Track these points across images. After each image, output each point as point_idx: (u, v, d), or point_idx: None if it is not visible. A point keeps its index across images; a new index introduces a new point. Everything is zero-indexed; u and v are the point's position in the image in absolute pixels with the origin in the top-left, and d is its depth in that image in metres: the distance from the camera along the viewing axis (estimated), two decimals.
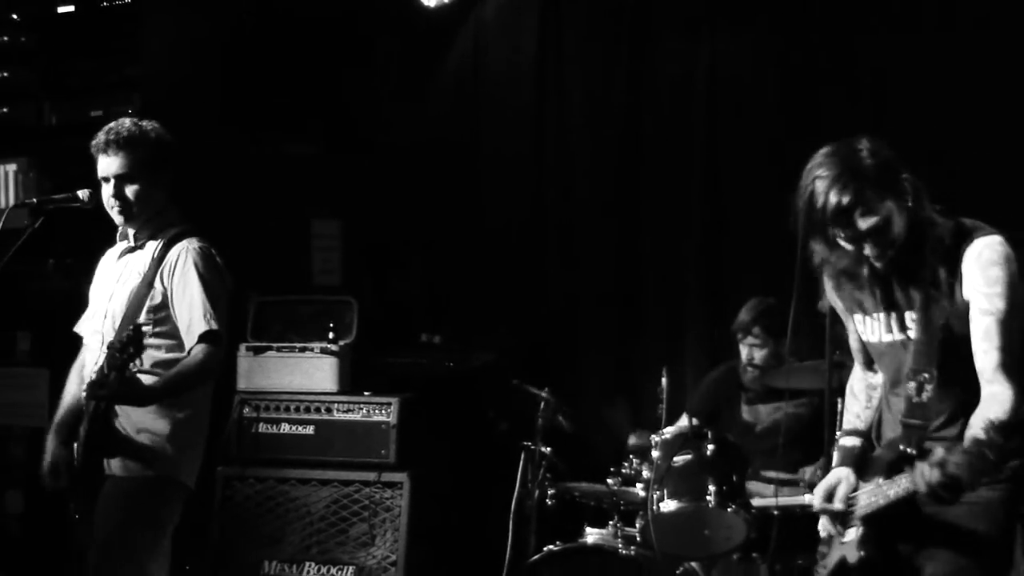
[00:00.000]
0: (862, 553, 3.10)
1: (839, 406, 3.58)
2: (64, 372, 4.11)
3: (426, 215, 6.30)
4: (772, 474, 4.52)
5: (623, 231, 6.01)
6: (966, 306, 2.97)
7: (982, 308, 2.94)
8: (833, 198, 2.93)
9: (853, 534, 3.14)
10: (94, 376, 3.69)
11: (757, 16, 5.75)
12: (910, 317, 3.07)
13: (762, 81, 5.74)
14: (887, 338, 3.14)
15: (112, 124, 3.93)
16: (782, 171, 3.22)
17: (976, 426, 2.83)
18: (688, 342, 5.80)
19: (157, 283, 3.85)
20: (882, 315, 3.14)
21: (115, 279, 3.98)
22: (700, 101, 5.86)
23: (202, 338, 3.77)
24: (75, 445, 3.77)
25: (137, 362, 3.59)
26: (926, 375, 2.97)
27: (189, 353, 3.80)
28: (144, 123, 3.94)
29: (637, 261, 5.99)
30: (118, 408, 3.75)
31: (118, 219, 3.94)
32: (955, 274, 2.98)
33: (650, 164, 5.98)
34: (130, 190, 3.87)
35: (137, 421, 3.79)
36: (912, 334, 3.06)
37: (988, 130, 5.17)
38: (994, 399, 2.89)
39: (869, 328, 3.19)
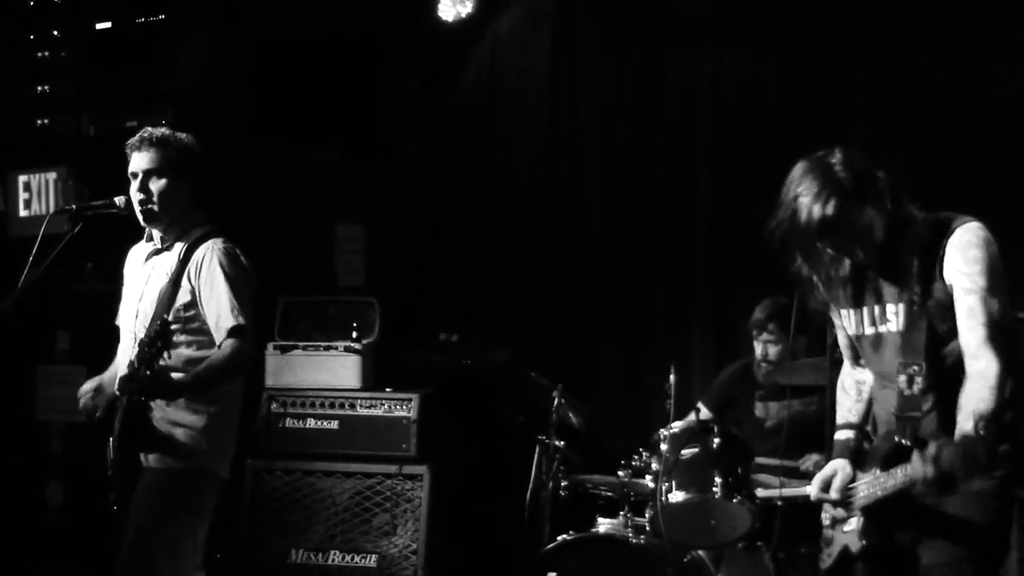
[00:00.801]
0: (864, 542, 3.14)
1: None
2: (101, 371, 4.15)
3: (445, 220, 6.36)
4: (774, 461, 4.58)
5: (633, 233, 6.08)
6: (948, 294, 3.00)
7: (964, 287, 2.96)
8: (816, 213, 3.00)
9: (854, 524, 3.18)
10: (126, 371, 3.76)
11: (761, 26, 5.81)
12: (891, 310, 3.11)
13: (766, 88, 5.80)
14: (870, 331, 3.18)
15: (147, 128, 4.05)
16: (785, 173, 3.26)
17: (966, 420, 2.86)
18: (696, 339, 5.86)
19: (184, 282, 3.90)
20: (864, 309, 3.18)
21: (144, 280, 4.03)
22: (706, 107, 5.93)
23: (230, 333, 3.83)
24: (110, 439, 3.82)
25: (166, 356, 3.65)
26: (915, 367, 3.00)
27: (219, 347, 3.85)
28: (176, 132, 4.06)
29: (646, 261, 6.06)
30: (153, 403, 3.81)
31: (142, 217, 3.99)
32: (935, 265, 3.01)
33: (659, 167, 6.06)
34: (155, 185, 3.95)
35: (172, 415, 3.85)
36: (893, 327, 3.11)
37: (989, 139, 5.20)
38: (980, 377, 2.91)
39: (854, 322, 3.23)
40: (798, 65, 5.72)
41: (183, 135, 4.07)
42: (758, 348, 5.06)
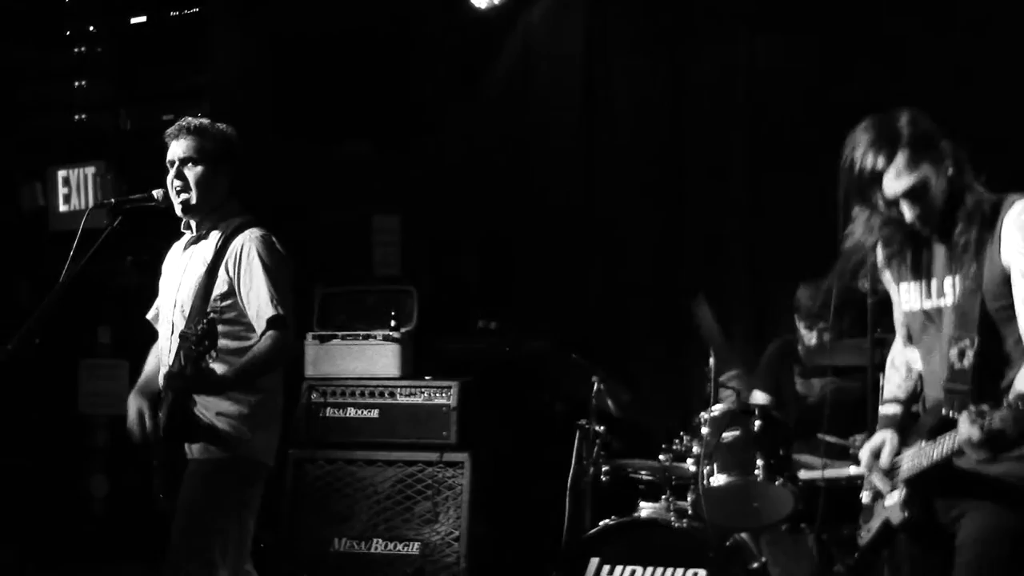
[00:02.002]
0: (906, 514, 3.10)
1: (881, 381, 3.60)
2: (143, 364, 4.19)
3: (481, 209, 6.35)
4: (830, 439, 4.50)
5: (668, 220, 6.06)
6: (1004, 272, 2.95)
7: (1021, 270, 2.91)
8: (869, 162, 2.99)
9: (896, 496, 3.15)
10: (171, 367, 3.77)
11: (794, 14, 5.76)
12: (948, 283, 3.07)
13: (800, 76, 5.76)
14: (926, 305, 3.13)
15: (186, 117, 4.08)
16: (820, 162, 3.28)
17: (1020, 383, 2.85)
18: (734, 324, 5.74)
19: (222, 272, 3.90)
20: (921, 282, 3.14)
21: (182, 270, 4.04)
22: (741, 96, 5.90)
23: (270, 323, 3.83)
24: (157, 431, 3.83)
25: (212, 354, 3.63)
26: (967, 341, 2.96)
27: (260, 338, 3.85)
28: (214, 122, 4.09)
29: (681, 247, 6.04)
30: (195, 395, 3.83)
31: (179, 206, 3.99)
32: (992, 239, 2.97)
33: (693, 156, 6.03)
34: (191, 172, 3.96)
35: (214, 405, 3.86)
36: (948, 301, 3.06)
37: None
38: None
39: (910, 296, 3.19)
40: (833, 53, 5.67)
41: (221, 125, 4.09)
42: (809, 337, 5.00)
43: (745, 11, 5.91)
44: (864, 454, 3.23)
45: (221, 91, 5.75)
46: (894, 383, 3.43)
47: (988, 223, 2.99)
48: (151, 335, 4.21)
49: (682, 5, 6.07)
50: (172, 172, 4.00)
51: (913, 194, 3.01)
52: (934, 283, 3.12)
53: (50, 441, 6.07)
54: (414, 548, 5.25)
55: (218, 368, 3.76)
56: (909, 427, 3.26)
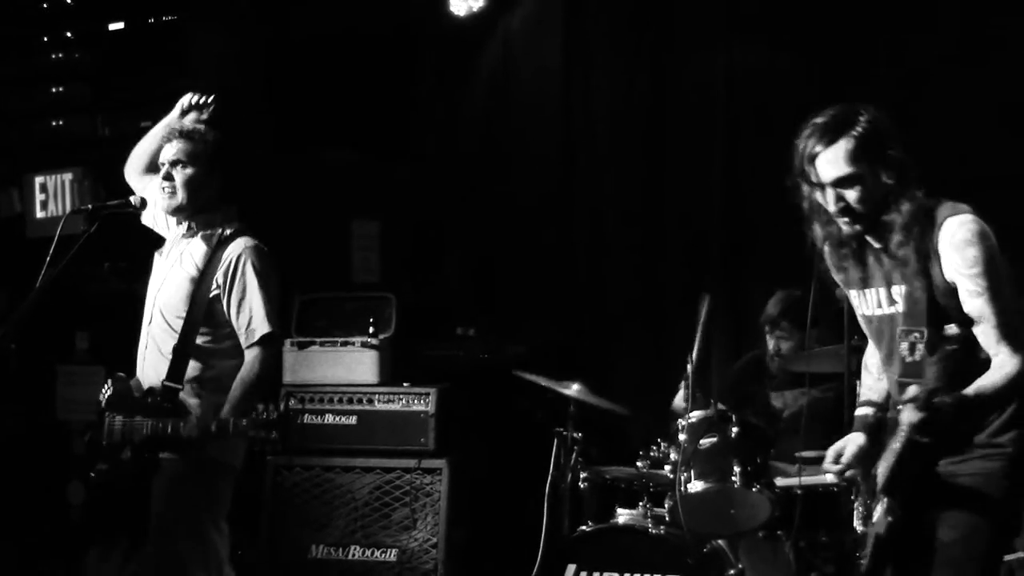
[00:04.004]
0: (889, 519, 3.12)
1: (858, 388, 3.62)
2: (121, 370, 4.11)
3: (460, 216, 6.38)
4: (808, 454, 4.49)
5: (648, 226, 6.09)
6: (949, 285, 2.98)
7: (969, 290, 2.96)
8: (811, 143, 3.03)
9: (880, 508, 3.16)
10: (158, 390, 3.81)
11: (774, 23, 5.81)
12: (896, 291, 3.09)
13: (779, 84, 5.79)
14: (878, 312, 3.17)
15: (182, 122, 4.09)
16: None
17: (969, 388, 2.89)
18: (713, 330, 5.80)
19: (212, 280, 3.91)
20: (873, 290, 3.17)
21: (168, 266, 4.04)
22: (720, 101, 5.94)
23: (263, 339, 3.85)
24: (113, 417, 3.83)
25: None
26: (916, 334, 2.96)
27: (250, 355, 3.85)
28: (208, 127, 4.10)
29: (662, 254, 6.07)
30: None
31: (164, 205, 3.99)
32: (931, 254, 2.99)
33: (673, 160, 6.06)
34: (180, 175, 3.97)
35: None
36: (900, 308, 3.09)
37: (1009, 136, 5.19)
38: (999, 367, 2.93)
39: (864, 303, 3.22)
40: (812, 60, 5.71)
41: (214, 130, 4.09)
42: (771, 343, 5.07)
43: (725, 20, 5.94)
44: (829, 456, 3.24)
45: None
46: (867, 385, 3.46)
47: (924, 237, 3.00)
48: (131, 343, 4.18)
49: (662, 13, 6.10)
50: (161, 173, 4.01)
51: (841, 184, 3.03)
52: (882, 292, 3.15)
53: (27, 448, 6.03)
54: (392, 555, 5.25)
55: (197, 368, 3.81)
56: (882, 430, 3.28)
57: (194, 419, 3.76)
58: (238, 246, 3.96)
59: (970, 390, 2.89)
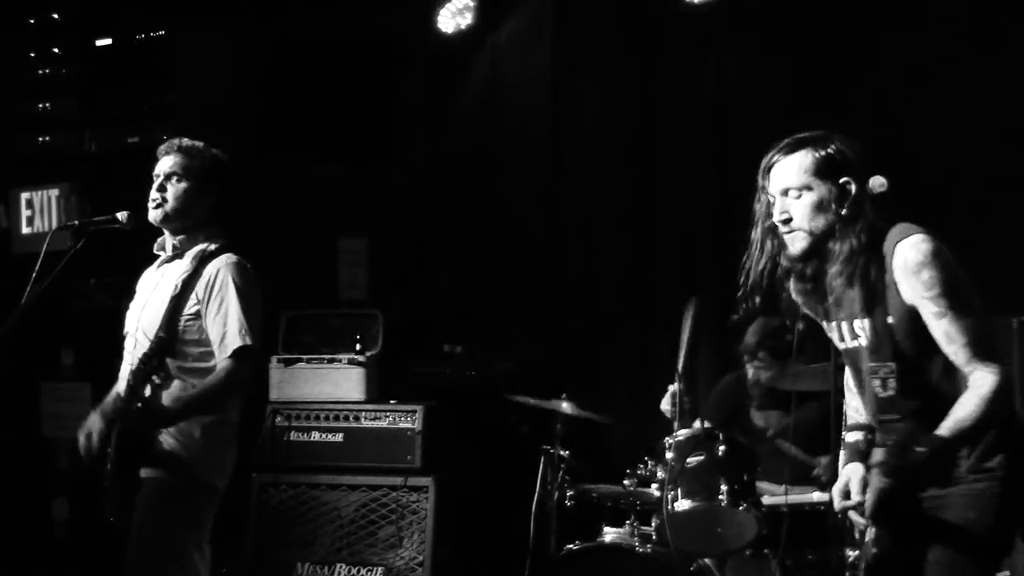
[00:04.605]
0: (875, 550, 3.13)
1: (845, 406, 3.53)
2: (106, 386, 4.10)
3: (448, 231, 6.34)
4: (794, 450, 4.59)
5: (637, 239, 6.06)
6: (910, 311, 2.93)
7: (932, 312, 2.90)
8: (771, 155, 3.06)
9: (869, 536, 3.18)
10: (123, 392, 3.75)
11: (763, 31, 5.80)
12: (859, 325, 3.06)
13: (767, 93, 5.78)
14: (843, 345, 3.15)
15: (180, 137, 4.07)
16: None
17: (946, 424, 2.86)
18: (701, 346, 5.75)
19: (192, 296, 3.86)
20: (835, 324, 3.15)
21: (151, 287, 4.00)
22: (708, 110, 5.92)
23: (235, 353, 3.79)
24: (108, 452, 3.75)
25: (155, 378, 3.67)
26: (885, 369, 2.95)
27: (218, 366, 3.79)
28: (207, 145, 4.06)
29: (651, 267, 6.04)
30: None
31: (153, 216, 3.95)
32: (887, 283, 2.95)
33: (662, 172, 6.03)
34: (172, 188, 3.94)
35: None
36: (863, 341, 3.06)
37: (997, 146, 5.17)
38: (974, 387, 2.88)
39: (834, 334, 3.19)
40: (802, 70, 5.70)
41: (213, 149, 4.07)
42: (750, 372, 5.05)
43: (713, 28, 5.92)
44: (836, 496, 3.17)
45: (187, 113, 5.73)
46: (853, 407, 3.41)
47: (877, 263, 2.97)
48: (117, 359, 4.14)
49: (649, 22, 6.08)
50: (155, 185, 3.98)
51: (788, 193, 3.02)
52: (844, 326, 3.12)
53: (12, 464, 6.00)
54: (378, 573, 5.25)
55: (175, 386, 3.75)
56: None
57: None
58: (220, 262, 3.92)
59: (946, 429, 2.85)
